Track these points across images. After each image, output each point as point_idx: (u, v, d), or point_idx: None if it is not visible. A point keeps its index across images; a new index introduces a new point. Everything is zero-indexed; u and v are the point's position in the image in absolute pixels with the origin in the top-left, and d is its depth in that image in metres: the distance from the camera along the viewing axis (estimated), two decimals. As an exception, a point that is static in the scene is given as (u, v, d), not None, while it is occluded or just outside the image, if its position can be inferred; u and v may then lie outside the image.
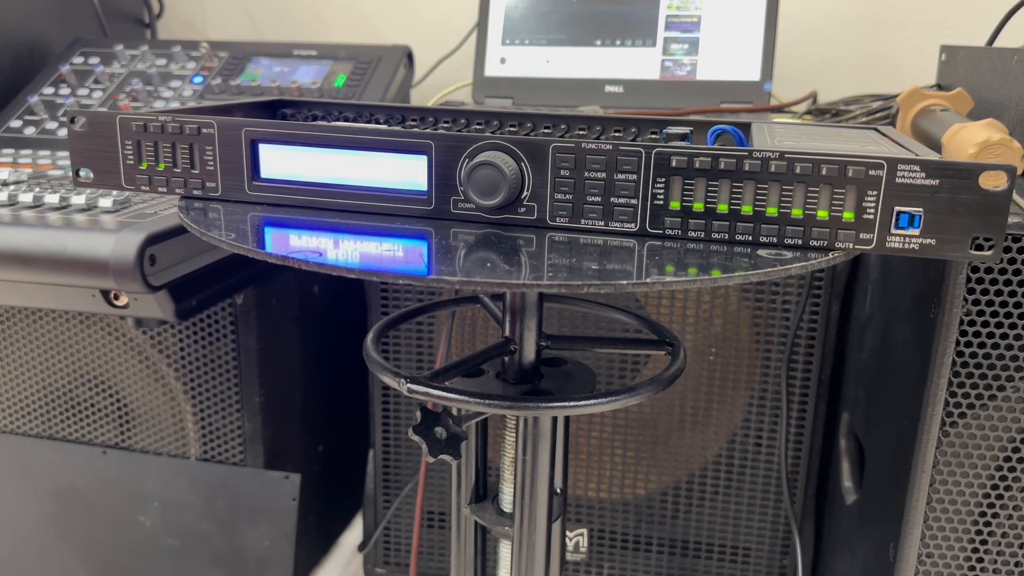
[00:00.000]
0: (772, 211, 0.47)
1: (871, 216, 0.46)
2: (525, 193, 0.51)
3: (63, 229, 0.73)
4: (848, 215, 0.46)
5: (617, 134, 0.66)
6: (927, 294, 0.68)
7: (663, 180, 0.49)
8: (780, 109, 1.11)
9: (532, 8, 1.15)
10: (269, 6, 1.48)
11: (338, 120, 0.71)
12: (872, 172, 0.45)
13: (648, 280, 0.43)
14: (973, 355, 0.64)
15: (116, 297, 0.76)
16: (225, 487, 1.00)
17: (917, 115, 0.77)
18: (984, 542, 0.69)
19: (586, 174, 0.50)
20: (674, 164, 0.48)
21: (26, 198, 0.80)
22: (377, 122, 0.71)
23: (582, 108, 1.06)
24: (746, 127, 0.61)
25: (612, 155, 0.49)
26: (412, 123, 0.70)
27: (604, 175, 0.49)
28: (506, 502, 0.67)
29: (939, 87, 0.89)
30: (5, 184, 0.85)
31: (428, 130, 0.65)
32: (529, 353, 0.61)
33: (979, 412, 0.66)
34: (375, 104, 0.71)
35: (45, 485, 1.04)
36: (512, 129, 0.68)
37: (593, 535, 1.01)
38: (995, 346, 0.64)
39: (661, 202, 0.49)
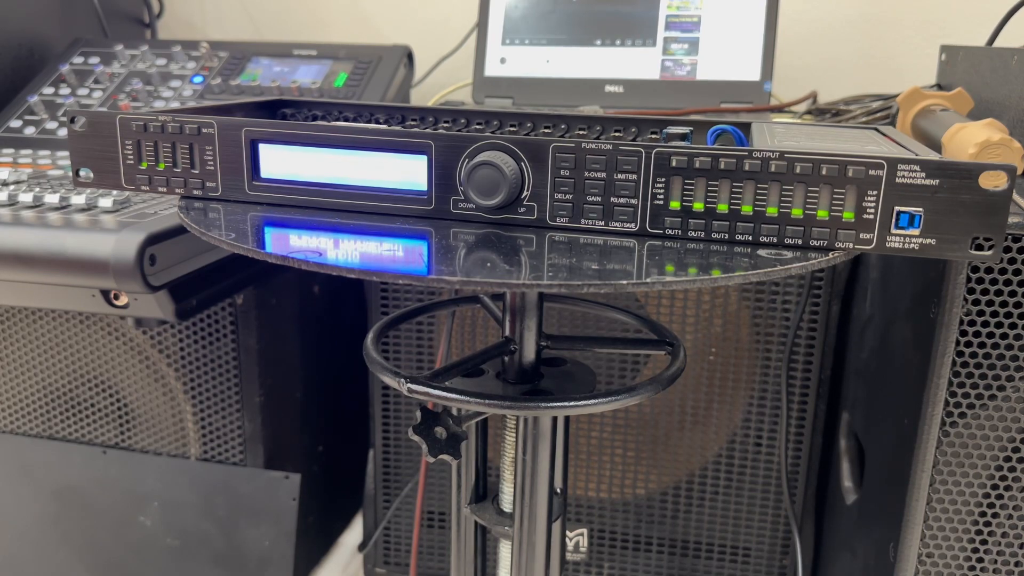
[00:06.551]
0: (772, 211, 0.47)
1: (871, 216, 0.46)
2: (525, 193, 0.51)
3: (63, 229, 0.72)
4: (848, 215, 0.46)
5: (617, 134, 0.66)
6: (927, 294, 0.68)
7: (663, 180, 0.49)
8: (780, 109, 1.11)
9: (532, 8, 1.15)
10: (269, 6, 1.48)
11: (338, 120, 0.71)
12: (872, 172, 0.45)
13: (648, 280, 0.43)
14: (973, 355, 0.64)
15: (116, 297, 0.76)
16: (225, 487, 1.00)
17: (917, 115, 0.77)
18: (984, 542, 0.69)
19: (586, 174, 0.50)
20: (674, 164, 0.48)
21: (26, 198, 0.80)
22: (377, 122, 0.71)
23: (582, 108, 1.06)
24: (746, 127, 0.61)
25: (612, 155, 0.49)
26: (412, 123, 0.70)
27: (604, 175, 0.49)
28: (506, 502, 0.67)
29: (939, 87, 0.89)
30: (5, 184, 0.85)
31: (428, 130, 0.65)
32: (529, 353, 0.61)
33: (979, 412, 0.66)
34: (375, 104, 0.71)
35: (45, 485, 1.04)
36: (512, 129, 0.68)
37: (593, 535, 1.01)
38: (995, 346, 0.64)
39: (661, 202, 0.49)
